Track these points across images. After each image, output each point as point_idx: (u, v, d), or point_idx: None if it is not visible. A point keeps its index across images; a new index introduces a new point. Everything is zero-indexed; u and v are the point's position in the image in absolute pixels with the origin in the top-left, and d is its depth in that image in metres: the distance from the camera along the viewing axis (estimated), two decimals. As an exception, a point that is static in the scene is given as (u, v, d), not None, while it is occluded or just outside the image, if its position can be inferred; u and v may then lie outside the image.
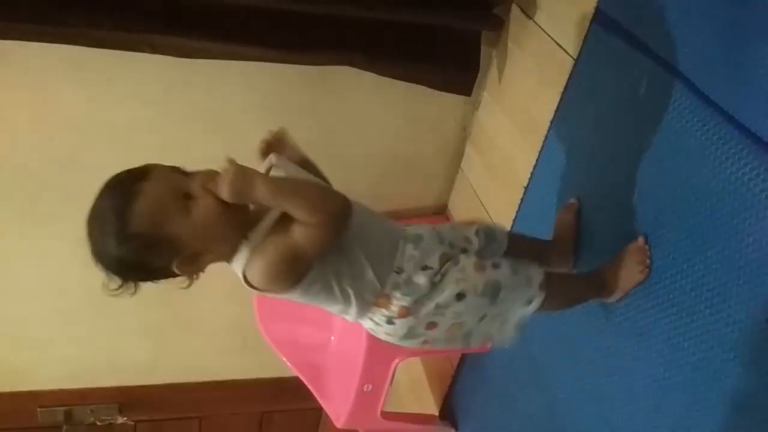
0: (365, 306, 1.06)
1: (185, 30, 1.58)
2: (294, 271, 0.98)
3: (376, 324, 1.09)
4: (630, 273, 1.21)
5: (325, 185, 1.01)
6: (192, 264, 0.97)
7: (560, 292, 1.17)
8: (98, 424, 2.53)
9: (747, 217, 1.01)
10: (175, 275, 0.96)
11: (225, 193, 0.92)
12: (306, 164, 1.14)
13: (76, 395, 2.46)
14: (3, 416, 2.42)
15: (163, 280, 0.98)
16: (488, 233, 1.22)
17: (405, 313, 1.05)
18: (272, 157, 1.08)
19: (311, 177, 1.10)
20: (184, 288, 0.99)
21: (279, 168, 1.06)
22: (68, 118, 1.77)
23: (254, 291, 1.00)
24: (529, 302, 1.11)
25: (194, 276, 0.99)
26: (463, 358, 2.01)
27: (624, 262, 1.22)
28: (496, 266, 1.10)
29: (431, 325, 1.08)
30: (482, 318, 1.10)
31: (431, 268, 1.06)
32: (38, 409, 2.45)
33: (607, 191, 1.37)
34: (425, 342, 1.11)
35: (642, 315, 1.22)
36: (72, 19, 1.50)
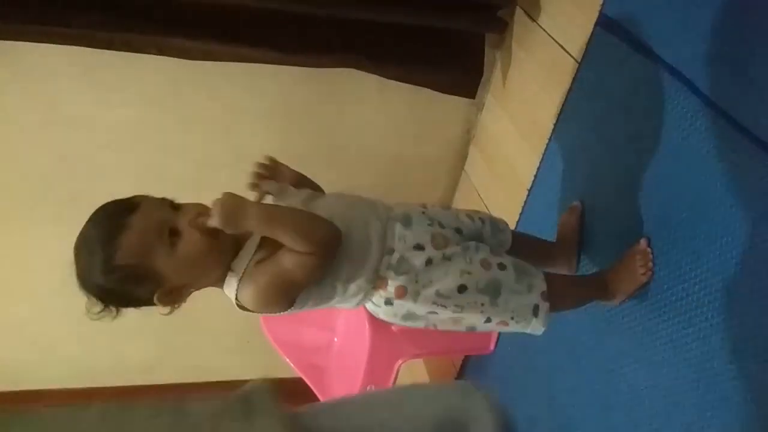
0: (364, 295, 1.07)
1: (191, 32, 1.59)
2: (285, 297, 1.01)
3: (375, 305, 1.10)
4: (633, 276, 1.21)
5: (316, 214, 1.02)
6: (172, 296, 0.98)
7: (564, 296, 1.18)
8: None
9: (751, 219, 1.01)
10: (154, 305, 0.98)
11: (217, 221, 0.93)
12: (301, 182, 1.16)
13: (80, 395, 2.46)
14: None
15: (144, 308, 0.99)
16: (493, 223, 1.23)
17: (402, 292, 1.06)
18: (266, 186, 1.10)
19: (307, 195, 1.11)
20: (165, 315, 1.00)
21: (275, 196, 1.09)
22: (75, 119, 1.78)
23: (248, 313, 1.02)
24: (536, 312, 1.11)
25: (175, 306, 1.01)
26: (466, 360, 2.01)
27: (627, 264, 1.23)
28: (502, 267, 1.10)
29: (432, 312, 1.09)
30: (488, 321, 1.11)
31: (423, 247, 1.07)
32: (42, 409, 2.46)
33: (610, 194, 1.37)
34: (427, 325, 1.12)
35: (645, 317, 1.22)
36: (79, 21, 1.52)
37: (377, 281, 1.06)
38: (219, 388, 2.65)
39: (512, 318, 1.11)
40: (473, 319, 1.10)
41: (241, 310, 1.02)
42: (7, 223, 1.92)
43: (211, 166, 1.92)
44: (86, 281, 0.95)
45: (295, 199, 1.09)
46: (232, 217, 0.94)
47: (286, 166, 1.16)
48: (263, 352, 2.05)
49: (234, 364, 2.60)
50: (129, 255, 0.92)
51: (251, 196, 1.09)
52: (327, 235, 1.00)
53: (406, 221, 1.09)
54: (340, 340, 2.01)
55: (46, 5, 1.48)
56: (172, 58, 1.65)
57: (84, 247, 0.95)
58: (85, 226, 0.96)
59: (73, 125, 1.79)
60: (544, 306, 1.11)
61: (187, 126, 1.87)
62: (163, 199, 1.00)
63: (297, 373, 1.94)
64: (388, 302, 1.07)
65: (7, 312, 2.12)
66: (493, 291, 1.08)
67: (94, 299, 0.96)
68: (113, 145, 1.84)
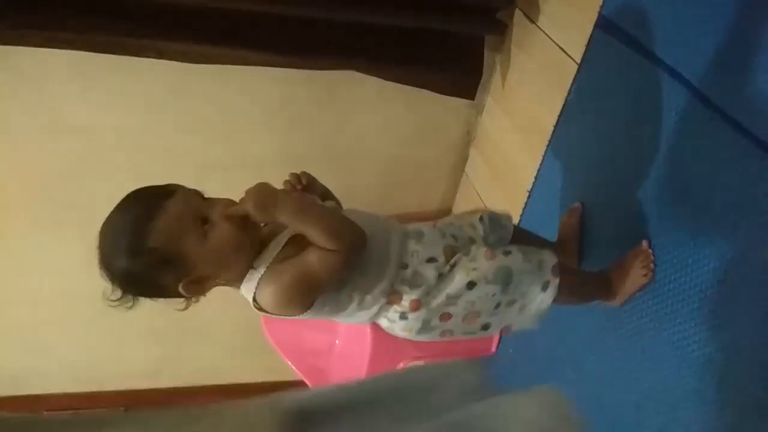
0: (378, 310, 1.07)
1: (190, 35, 1.60)
2: (307, 297, 1.00)
3: (390, 321, 1.09)
4: (634, 277, 1.21)
5: (345, 216, 1.03)
6: (198, 286, 0.98)
7: (571, 283, 1.16)
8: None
9: (750, 219, 1.01)
10: (177, 295, 0.98)
11: (251, 206, 0.94)
12: (327, 196, 1.17)
13: (83, 399, 2.47)
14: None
15: (162, 299, 0.99)
16: (492, 219, 1.22)
17: (416, 306, 1.06)
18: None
19: (332, 207, 1.12)
20: (181, 310, 1.00)
21: None
22: (75, 123, 1.79)
23: (263, 314, 1.02)
24: (545, 288, 1.10)
25: (195, 299, 1.01)
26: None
27: (628, 266, 1.23)
28: (507, 253, 1.09)
29: (445, 317, 1.08)
30: (497, 306, 1.09)
31: (437, 260, 1.07)
32: (45, 413, 2.46)
33: (611, 195, 1.37)
34: (443, 333, 1.12)
35: (646, 318, 1.22)
36: (78, 26, 1.52)
37: (392, 296, 1.06)
38: (223, 391, 2.65)
39: (520, 295, 1.09)
40: (487, 311, 1.09)
41: (257, 311, 1.01)
42: (8, 227, 1.92)
43: (211, 170, 1.92)
44: (111, 264, 0.94)
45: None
46: (266, 204, 0.94)
47: (318, 182, 1.16)
48: (265, 355, 2.06)
49: (237, 367, 2.61)
50: (162, 238, 0.92)
51: None
52: (354, 235, 1.00)
53: (419, 236, 1.10)
54: (341, 342, 2.01)
55: (46, 10, 1.49)
56: (172, 63, 1.65)
57: (113, 229, 0.95)
58: (115, 209, 0.96)
59: (72, 130, 1.79)
60: (555, 282, 1.09)
61: (187, 130, 1.87)
62: (196, 191, 1.00)
63: (298, 375, 1.94)
64: (403, 317, 1.07)
65: (10, 317, 2.12)
66: (503, 277, 1.07)
67: (116, 285, 0.95)
68: (113, 150, 1.85)
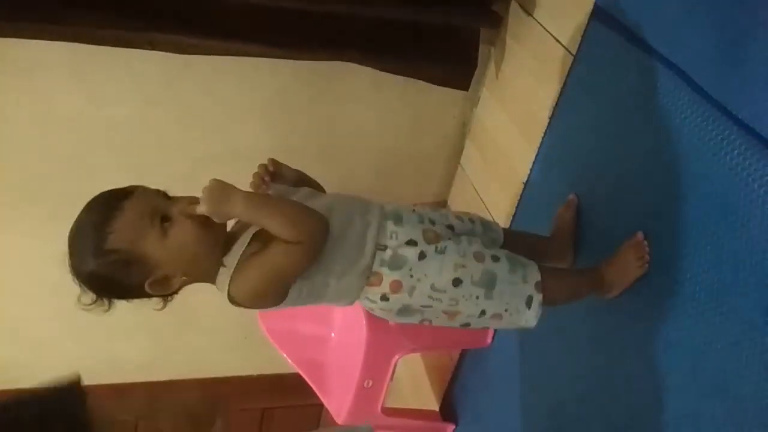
0: (359, 292, 1.08)
1: (184, 26, 1.58)
2: (276, 290, 1.01)
3: (371, 302, 1.10)
4: (629, 268, 1.22)
5: (303, 204, 1.03)
6: (164, 285, 0.99)
7: (559, 288, 1.18)
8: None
9: (746, 212, 1.01)
10: (146, 295, 0.99)
11: (204, 207, 0.94)
12: (301, 180, 1.17)
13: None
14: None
15: (136, 300, 1.00)
16: (484, 223, 1.23)
17: (397, 287, 1.06)
18: (267, 189, 1.11)
19: (305, 193, 1.12)
20: (158, 309, 1.01)
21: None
22: (67, 116, 1.77)
23: (243, 309, 1.02)
24: (529, 304, 1.11)
25: (167, 298, 1.01)
26: (463, 354, 2.01)
27: (623, 257, 1.23)
28: (495, 259, 1.11)
29: (427, 306, 1.09)
30: (482, 314, 1.11)
31: (416, 242, 1.07)
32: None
33: (606, 187, 1.37)
34: (423, 321, 1.13)
35: (642, 310, 1.22)
36: (72, 18, 1.51)
37: (372, 277, 1.06)
38: (219, 384, 2.65)
39: (506, 310, 1.11)
40: (468, 312, 1.10)
41: (234, 306, 1.02)
42: (1, 221, 1.91)
43: (206, 163, 1.91)
44: (78, 268, 0.96)
45: (293, 198, 1.09)
46: (219, 202, 0.94)
47: (287, 167, 1.16)
48: (261, 348, 2.06)
49: (232, 360, 2.61)
50: (120, 239, 0.93)
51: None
52: (313, 223, 1.00)
53: (397, 219, 1.10)
54: (337, 335, 2.01)
55: (39, 2, 1.47)
56: (166, 55, 1.64)
57: (77, 232, 0.96)
58: (79, 214, 0.97)
59: (66, 123, 1.78)
60: (538, 297, 1.11)
61: (182, 122, 1.86)
62: (158, 190, 1.00)
63: (294, 368, 1.94)
64: (384, 298, 1.07)
65: (5, 311, 2.12)
66: (488, 283, 1.08)
67: (86, 289, 0.97)
68: (108, 143, 1.84)
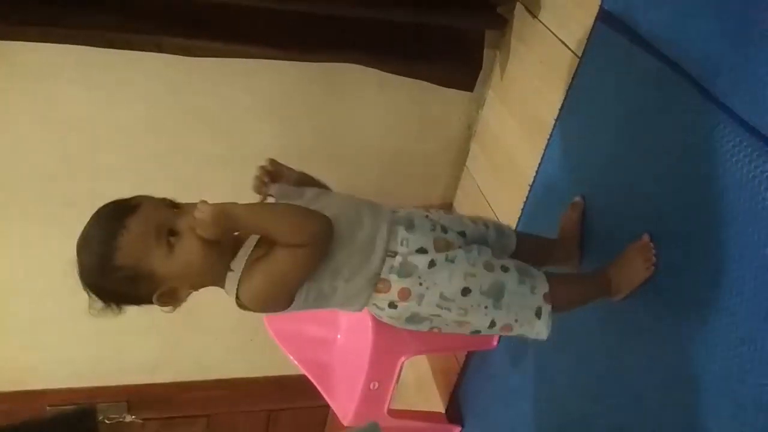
0: (367, 298, 1.07)
1: (190, 29, 1.59)
2: (283, 294, 1.01)
3: (378, 308, 1.10)
4: (635, 271, 1.21)
5: (304, 207, 1.03)
6: (172, 297, 0.99)
7: (568, 296, 1.18)
8: (106, 422, 2.54)
9: (752, 214, 1.01)
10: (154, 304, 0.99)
11: (208, 232, 0.94)
12: (304, 181, 1.16)
13: (85, 394, 2.47)
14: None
15: (145, 306, 1.00)
16: (498, 228, 1.23)
17: (406, 295, 1.06)
18: (269, 189, 1.11)
19: (312, 194, 1.12)
20: (167, 313, 1.01)
21: (278, 199, 1.10)
22: (74, 118, 1.78)
23: (249, 312, 1.02)
24: (539, 314, 1.11)
25: (176, 306, 1.01)
26: (469, 356, 2.01)
27: (629, 260, 1.23)
28: (504, 269, 1.11)
29: (436, 315, 1.09)
30: (492, 325, 1.11)
31: (426, 251, 1.07)
32: (47, 408, 2.47)
33: (612, 189, 1.37)
34: (432, 328, 1.13)
35: (648, 313, 1.22)
36: (78, 20, 1.51)
37: (379, 284, 1.05)
38: (225, 386, 2.66)
39: (516, 321, 1.11)
40: (477, 323, 1.10)
41: (242, 310, 1.02)
42: (8, 223, 1.92)
43: (212, 165, 1.92)
44: (87, 280, 0.97)
45: (299, 200, 1.09)
46: (221, 226, 0.94)
47: (288, 167, 1.16)
48: (267, 349, 2.06)
49: (238, 362, 2.61)
50: (127, 256, 0.93)
51: (255, 199, 1.09)
52: (316, 226, 0.99)
53: (409, 225, 1.09)
54: (343, 337, 2.01)
55: (45, 5, 1.48)
56: (172, 57, 1.65)
57: (84, 246, 0.97)
58: (86, 225, 0.97)
59: (72, 125, 1.79)
60: (547, 308, 1.11)
61: (187, 125, 1.87)
62: (163, 200, 1.00)
63: (300, 370, 1.94)
64: (392, 305, 1.07)
65: (10, 312, 2.13)
66: (496, 293, 1.08)
67: (95, 297, 0.97)
68: (113, 145, 1.84)
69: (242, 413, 2.86)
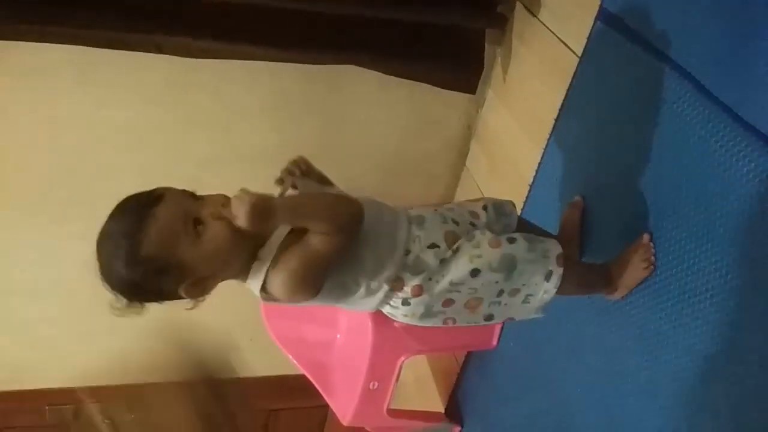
0: (384, 295, 1.07)
1: (190, 30, 1.59)
2: (317, 279, 1.01)
3: (393, 307, 1.10)
4: (634, 270, 1.21)
5: (334, 193, 1.03)
6: (199, 288, 0.98)
7: (575, 273, 1.16)
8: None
9: (752, 214, 1.01)
10: (180, 298, 0.98)
11: (246, 224, 0.92)
12: (323, 180, 1.17)
13: (85, 393, 2.47)
14: (12, 414, 2.43)
15: (169, 302, 0.99)
16: (497, 207, 1.21)
17: (419, 291, 1.06)
18: (292, 182, 1.09)
19: (330, 190, 1.12)
20: (189, 309, 1.01)
21: (299, 190, 1.09)
22: (75, 118, 1.78)
23: (273, 303, 1.02)
24: (548, 278, 1.10)
25: (200, 299, 1.01)
26: (469, 356, 2.01)
27: (628, 259, 1.23)
28: (511, 240, 1.10)
29: (448, 302, 1.09)
30: (500, 293, 1.10)
31: (438, 246, 1.07)
32: (46, 407, 2.47)
33: (612, 188, 1.37)
34: (446, 320, 1.13)
35: (647, 311, 1.22)
36: (77, 20, 1.51)
37: (395, 282, 1.06)
38: (225, 385, 2.65)
39: (523, 284, 1.10)
40: (489, 299, 1.10)
41: (266, 301, 1.02)
42: (8, 223, 1.92)
43: (212, 165, 1.92)
44: (111, 276, 0.95)
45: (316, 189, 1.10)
46: (260, 217, 0.93)
47: (314, 166, 1.16)
48: (266, 349, 2.06)
49: (238, 362, 2.60)
50: (154, 247, 0.92)
51: (275, 190, 1.08)
52: (349, 212, 1.02)
53: (419, 222, 1.10)
54: (342, 336, 2.01)
55: (45, 5, 1.48)
56: (172, 57, 1.65)
57: (108, 241, 0.95)
58: (107, 221, 0.96)
59: (72, 125, 1.79)
60: (558, 271, 1.09)
61: (187, 125, 1.87)
62: (185, 191, 0.99)
63: (300, 370, 1.94)
64: (406, 302, 1.08)
65: (11, 311, 2.13)
66: (507, 266, 1.07)
67: (118, 295, 0.96)
68: (114, 145, 1.84)
69: (242, 413, 2.86)
